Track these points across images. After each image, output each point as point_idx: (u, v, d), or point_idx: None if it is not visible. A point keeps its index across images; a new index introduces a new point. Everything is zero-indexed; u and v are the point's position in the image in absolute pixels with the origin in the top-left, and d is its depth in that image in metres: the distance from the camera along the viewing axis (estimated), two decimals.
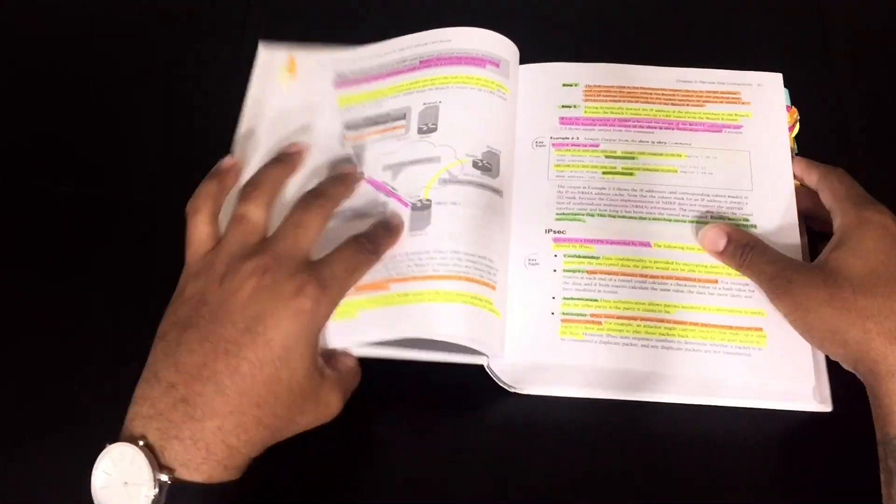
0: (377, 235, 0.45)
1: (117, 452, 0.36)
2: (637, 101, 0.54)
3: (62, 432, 0.47)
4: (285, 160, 0.48)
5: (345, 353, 0.45)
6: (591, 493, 0.45)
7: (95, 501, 0.36)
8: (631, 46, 0.60)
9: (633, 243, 0.49)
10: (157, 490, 0.36)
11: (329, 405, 0.42)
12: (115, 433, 0.38)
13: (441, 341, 0.44)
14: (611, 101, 0.54)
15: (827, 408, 0.46)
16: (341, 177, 0.48)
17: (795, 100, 0.54)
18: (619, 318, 0.47)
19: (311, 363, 0.40)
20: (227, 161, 0.47)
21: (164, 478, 0.36)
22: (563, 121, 0.54)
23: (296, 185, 0.49)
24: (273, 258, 0.40)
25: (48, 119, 0.60)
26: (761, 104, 0.54)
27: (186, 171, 0.51)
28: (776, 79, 0.55)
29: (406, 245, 0.47)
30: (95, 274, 0.52)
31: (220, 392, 0.37)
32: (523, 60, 0.55)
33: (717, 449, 0.46)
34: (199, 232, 0.43)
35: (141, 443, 0.36)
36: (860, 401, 0.43)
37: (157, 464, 0.36)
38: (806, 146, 0.53)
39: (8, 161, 0.58)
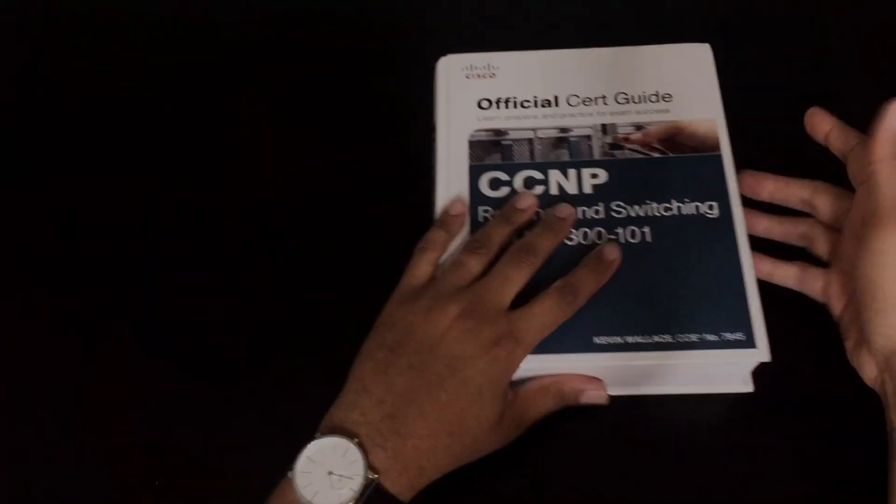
0: (581, 282, 0.46)
1: (329, 443, 0.40)
2: None
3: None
4: (512, 218, 0.49)
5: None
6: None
7: (294, 483, 0.39)
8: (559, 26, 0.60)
9: None
10: (363, 485, 0.39)
11: (507, 435, 0.44)
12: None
13: None
14: None
15: (749, 388, 0.47)
16: (555, 227, 0.48)
17: (722, 70, 0.54)
18: None
19: (501, 401, 0.43)
20: (456, 208, 0.49)
21: (373, 476, 0.39)
22: None
23: None
24: (476, 305, 0.44)
25: (48, 119, 0.61)
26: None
27: (187, 173, 0.54)
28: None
29: None
30: (96, 274, 0.54)
31: (422, 415, 0.41)
32: (443, 52, 0.55)
33: (658, 436, 0.46)
34: (419, 269, 0.47)
35: (356, 440, 0.40)
36: (776, 382, 0.45)
37: (368, 463, 0.39)
38: (733, 119, 0.52)
39: (8, 161, 0.59)
